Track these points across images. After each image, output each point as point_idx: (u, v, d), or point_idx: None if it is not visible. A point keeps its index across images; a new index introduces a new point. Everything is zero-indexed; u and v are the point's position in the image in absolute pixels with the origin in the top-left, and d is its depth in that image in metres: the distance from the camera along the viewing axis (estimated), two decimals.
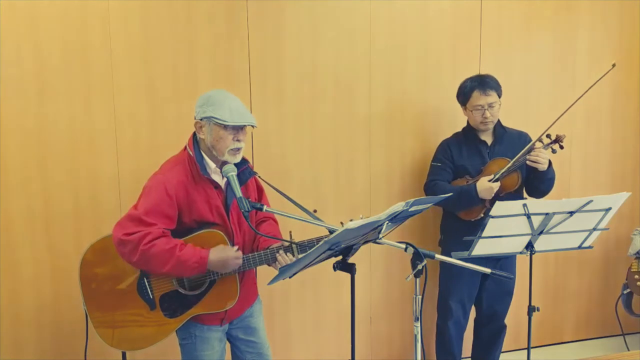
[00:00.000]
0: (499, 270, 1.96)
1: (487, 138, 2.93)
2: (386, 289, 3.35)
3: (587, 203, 2.23)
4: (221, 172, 2.14)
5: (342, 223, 2.08)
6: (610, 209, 2.28)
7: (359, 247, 1.93)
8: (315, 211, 2.12)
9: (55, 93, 2.67)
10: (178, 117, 2.83)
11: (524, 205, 2.21)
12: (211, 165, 2.17)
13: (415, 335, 1.87)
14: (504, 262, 2.90)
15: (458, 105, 2.97)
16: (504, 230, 2.28)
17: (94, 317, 2.23)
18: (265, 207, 2.05)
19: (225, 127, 2.09)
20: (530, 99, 3.47)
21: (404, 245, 1.85)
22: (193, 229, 2.17)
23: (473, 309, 3.11)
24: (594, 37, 3.56)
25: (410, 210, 1.85)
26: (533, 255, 2.41)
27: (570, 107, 2.76)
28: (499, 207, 2.20)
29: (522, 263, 2.99)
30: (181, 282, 2.22)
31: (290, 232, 2.26)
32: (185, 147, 2.20)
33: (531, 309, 2.50)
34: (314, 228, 2.07)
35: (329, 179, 3.17)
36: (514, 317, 3.35)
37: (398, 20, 3.18)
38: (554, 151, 2.76)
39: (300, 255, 2.18)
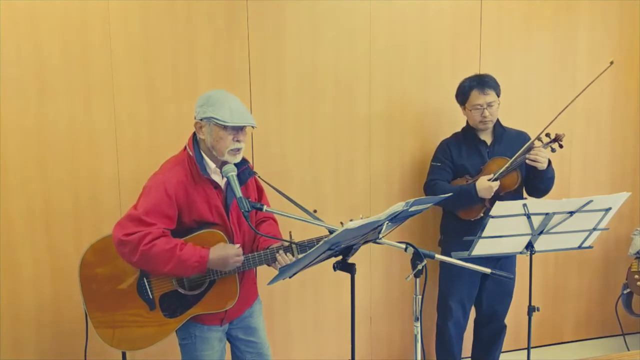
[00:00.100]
0: (499, 271, 1.97)
1: (487, 138, 2.93)
2: (386, 289, 3.35)
3: (587, 203, 2.23)
4: (221, 172, 2.14)
5: (342, 223, 2.08)
6: (610, 209, 2.28)
7: (359, 247, 1.93)
8: (315, 211, 2.12)
9: (55, 93, 2.67)
10: (178, 117, 2.83)
11: (524, 205, 2.21)
12: (211, 165, 2.17)
13: (415, 335, 1.87)
14: (504, 262, 2.89)
15: (458, 105, 2.97)
16: (504, 230, 2.28)
17: (94, 317, 2.23)
18: (265, 207, 2.05)
19: (225, 127, 2.09)
20: (530, 98, 3.47)
21: (404, 245, 1.85)
22: (193, 229, 2.17)
23: (473, 309, 3.11)
24: (594, 37, 3.56)
25: (410, 210, 1.85)
26: (533, 255, 2.41)
27: (568, 105, 2.75)
28: (499, 207, 2.20)
29: (522, 263, 2.99)
30: (181, 282, 2.22)
31: (290, 232, 2.26)
32: (185, 147, 2.20)
33: (531, 309, 2.50)
34: (314, 228, 2.08)
35: (329, 179, 3.17)
36: (514, 317, 3.35)
37: (398, 20, 3.18)
38: (553, 150, 2.76)
39: (300, 255, 2.18)
